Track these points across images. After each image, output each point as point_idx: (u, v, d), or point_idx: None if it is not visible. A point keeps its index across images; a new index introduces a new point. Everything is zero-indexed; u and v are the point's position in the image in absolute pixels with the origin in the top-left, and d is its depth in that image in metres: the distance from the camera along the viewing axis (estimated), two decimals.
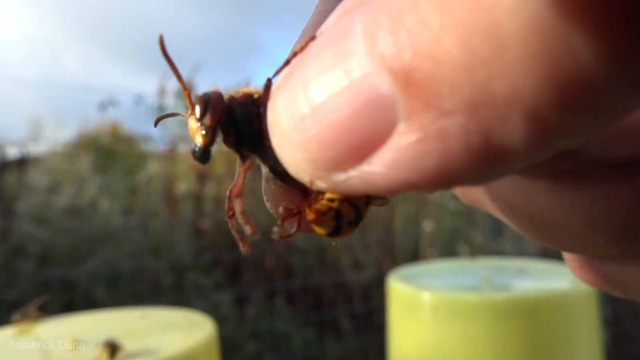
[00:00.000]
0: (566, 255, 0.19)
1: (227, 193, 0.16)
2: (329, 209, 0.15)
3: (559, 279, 0.96)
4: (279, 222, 0.16)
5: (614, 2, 0.08)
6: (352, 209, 0.15)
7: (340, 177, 0.12)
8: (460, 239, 2.31)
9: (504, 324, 0.79)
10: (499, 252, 2.22)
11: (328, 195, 0.15)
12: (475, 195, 0.18)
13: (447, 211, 2.34)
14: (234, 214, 0.16)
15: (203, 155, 0.16)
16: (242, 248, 0.16)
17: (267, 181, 0.17)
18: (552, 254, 2.10)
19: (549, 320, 0.81)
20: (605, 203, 0.15)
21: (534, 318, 0.81)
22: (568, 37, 0.08)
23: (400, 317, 0.92)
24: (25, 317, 0.86)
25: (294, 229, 0.16)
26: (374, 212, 2.25)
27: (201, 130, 0.15)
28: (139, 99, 1.85)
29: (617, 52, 0.08)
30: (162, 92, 2.06)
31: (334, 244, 0.16)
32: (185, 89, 0.16)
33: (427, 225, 2.28)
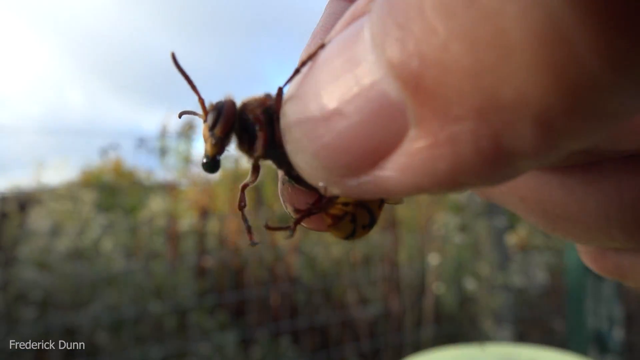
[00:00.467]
0: (580, 247, 0.19)
1: (239, 207, 0.18)
2: (345, 213, 0.15)
3: None
4: (292, 222, 0.17)
5: (617, 9, 0.08)
6: (366, 212, 0.16)
7: (354, 182, 0.12)
8: (466, 272, 2.28)
9: None
10: (506, 285, 2.18)
11: (342, 200, 0.15)
12: (488, 190, 0.18)
13: (453, 244, 2.32)
14: (245, 205, 0.18)
15: (211, 164, 0.17)
16: (250, 240, 0.18)
17: (283, 183, 0.17)
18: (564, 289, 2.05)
19: None
20: (618, 195, 0.15)
21: None
22: (572, 43, 0.08)
23: None
24: None
25: (291, 224, 0.17)
26: (378, 247, 2.23)
27: (211, 140, 0.16)
28: (140, 143, 1.85)
29: (621, 57, 0.08)
30: (164, 132, 2.06)
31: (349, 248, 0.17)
32: (200, 97, 0.16)
33: (433, 259, 2.25)
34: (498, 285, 2.20)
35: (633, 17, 0.08)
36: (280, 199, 0.17)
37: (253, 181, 0.17)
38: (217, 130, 0.16)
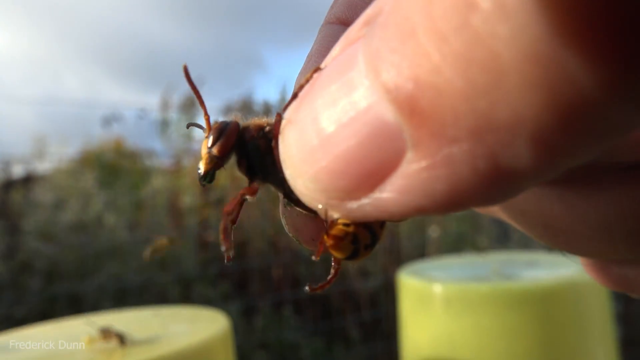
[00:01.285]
0: (582, 259, 0.19)
1: (223, 211, 0.17)
2: (346, 233, 0.15)
3: (568, 268, 0.95)
4: (302, 244, 0.17)
5: (609, 28, 0.08)
6: (368, 232, 0.16)
7: (353, 205, 0.12)
8: (466, 244, 2.31)
9: (515, 313, 0.78)
10: None
11: (342, 220, 0.15)
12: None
13: (453, 216, 2.34)
14: (235, 222, 0.17)
15: (204, 179, 0.17)
16: (226, 261, 0.16)
17: (284, 205, 0.17)
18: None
19: (561, 308, 0.81)
20: (618, 207, 0.15)
21: (546, 306, 0.81)
22: (565, 63, 0.08)
23: (412, 310, 0.92)
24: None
25: (330, 277, 0.17)
26: None
27: (207, 157, 0.16)
28: (142, 114, 1.86)
29: (614, 75, 0.08)
30: (165, 105, 2.07)
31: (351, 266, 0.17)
32: (206, 113, 0.17)
33: (433, 231, 2.27)
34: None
35: (626, 37, 0.08)
36: (282, 221, 0.18)
37: (252, 197, 0.17)
38: (216, 149, 0.16)
